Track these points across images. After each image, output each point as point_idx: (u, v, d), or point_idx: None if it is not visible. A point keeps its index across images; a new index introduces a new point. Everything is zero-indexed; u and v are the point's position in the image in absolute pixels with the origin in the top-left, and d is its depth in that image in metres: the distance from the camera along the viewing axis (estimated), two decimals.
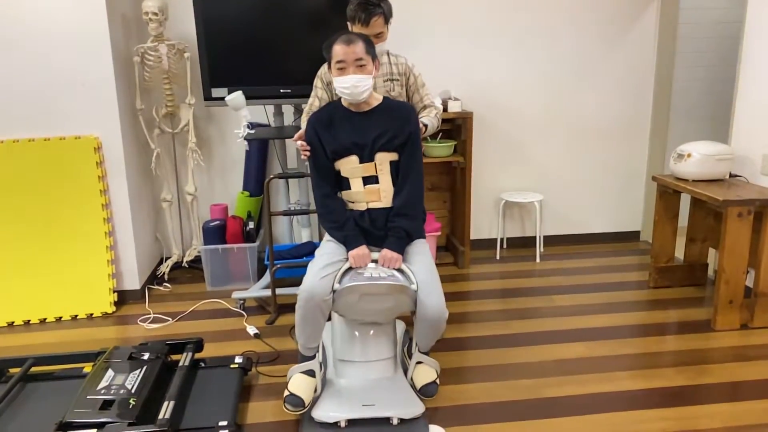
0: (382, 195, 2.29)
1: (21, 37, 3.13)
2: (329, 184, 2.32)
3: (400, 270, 2.24)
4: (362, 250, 2.24)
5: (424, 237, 2.41)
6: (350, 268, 2.24)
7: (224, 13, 3.16)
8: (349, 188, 2.31)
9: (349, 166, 2.28)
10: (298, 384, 2.24)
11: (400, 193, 2.29)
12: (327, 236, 2.39)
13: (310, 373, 2.28)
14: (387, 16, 2.50)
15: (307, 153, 2.31)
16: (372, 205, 2.30)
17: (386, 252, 2.24)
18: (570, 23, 3.97)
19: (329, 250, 2.28)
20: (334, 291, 2.16)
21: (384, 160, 2.27)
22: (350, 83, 2.18)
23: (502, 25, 3.94)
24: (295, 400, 2.20)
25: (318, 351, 2.31)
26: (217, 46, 3.19)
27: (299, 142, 2.33)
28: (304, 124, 2.52)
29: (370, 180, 2.29)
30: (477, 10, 3.90)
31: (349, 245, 2.26)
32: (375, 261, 2.27)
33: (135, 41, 3.63)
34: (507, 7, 3.91)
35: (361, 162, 2.27)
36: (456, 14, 3.89)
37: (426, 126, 2.55)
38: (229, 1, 3.15)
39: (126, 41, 3.49)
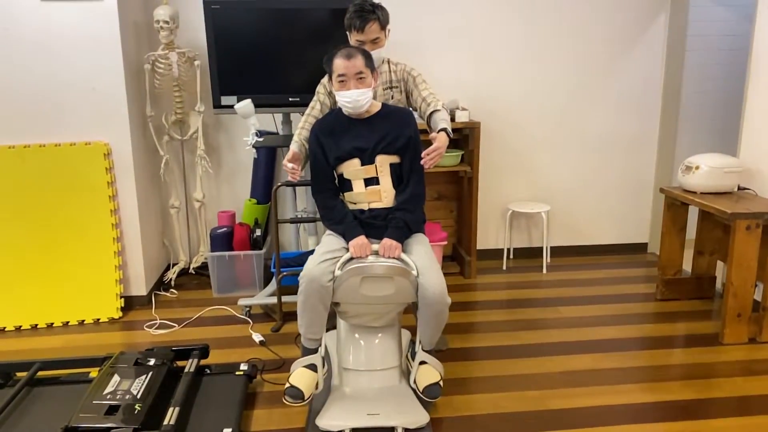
0: (383, 195, 2.36)
1: (33, 43, 3.16)
2: (330, 189, 2.42)
3: (400, 260, 2.26)
4: (362, 239, 2.28)
5: (423, 233, 2.46)
6: (351, 259, 2.26)
7: (234, 23, 3.18)
8: (351, 189, 2.39)
9: (351, 168, 2.36)
10: (300, 377, 2.23)
11: (402, 193, 2.38)
12: (327, 232, 2.44)
13: (312, 367, 2.28)
14: (383, 23, 2.52)
15: (295, 177, 2.38)
16: (373, 205, 2.37)
17: (386, 240, 2.28)
18: (578, 35, 3.98)
19: (328, 241, 2.34)
20: (334, 279, 2.18)
21: (384, 162, 2.36)
22: (352, 97, 2.28)
23: (511, 36, 3.95)
24: (295, 392, 2.18)
25: (321, 345, 2.31)
26: (227, 55, 3.22)
27: (290, 165, 2.36)
28: (299, 134, 2.54)
29: (371, 181, 2.37)
30: (485, 21, 3.91)
31: (348, 236, 2.31)
32: (376, 253, 2.29)
33: (146, 49, 3.66)
34: (515, 19, 3.93)
35: (362, 164, 2.36)
36: (464, 25, 3.91)
37: (449, 135, 2.44)
38: (239, 11, 3.18)
39: (137, 49, 3.52)
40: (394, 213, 2.35)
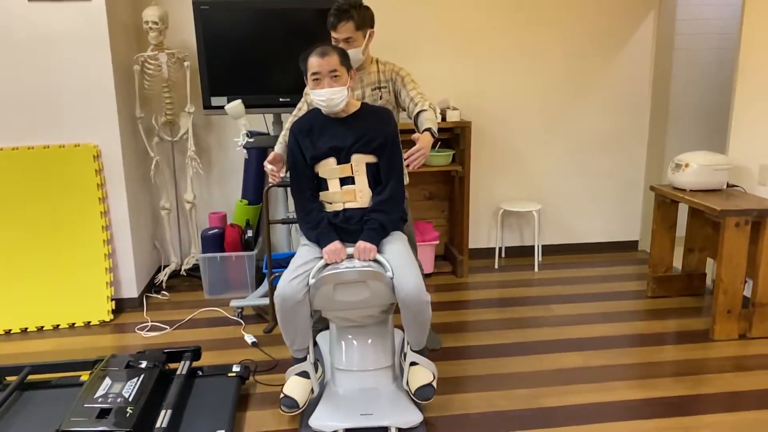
0: (358, 195, 2.33)
1: (22, 44, 3.14)
2: (309, 189, 2.38)
3: (376, 261, 2.25)
4: (335, 245, 2.26)
5: (402, 230, 2.43)
6: (326, 265, 2.24)
7: (224, 23, 3.17)
8: (327, 189, 2.36)
9: (327, 167, 2.34)
10: (293, 386, 2.25)
11: (380, 193, 2.34)
12: (302, 241, 2.42)
13: (304, 374, 2.29)
14: (358, 23, 2.48)
15: (275, 178, 2.38)
16: (348, 205, 2.34)
17: (360, 243, 2.26)
18: (568, 34, 4.00)
19: (302, 253, 2.32)
20: (309, 290, 2.17)
21: (360, 161, 2.33)
22: (326, 96, 2.25)
23: (501, 35, 3.96)
24: (289, 402, 2.20)
25: (309, 352, 2.31)
26: (217, 55, 3.20)
27: (269, 166, 2.38)
28: (284, 135, 2.56)
29: (346, 181, 2.34)
30: (476, 21, 3.92)
31: (322, 242, 2.29)
32: (351, 257, 2.28)
33: (135, 50, 3.64)
34: (506, 19, 3.94)
35: (338, 163, 2.33)
36: (455, 25, 3.91)
37: (434, 135, 2.43)
38: (229, 11, 3.16)
39: (126, 50, 3.50)
40: (369, 214, 2.31)
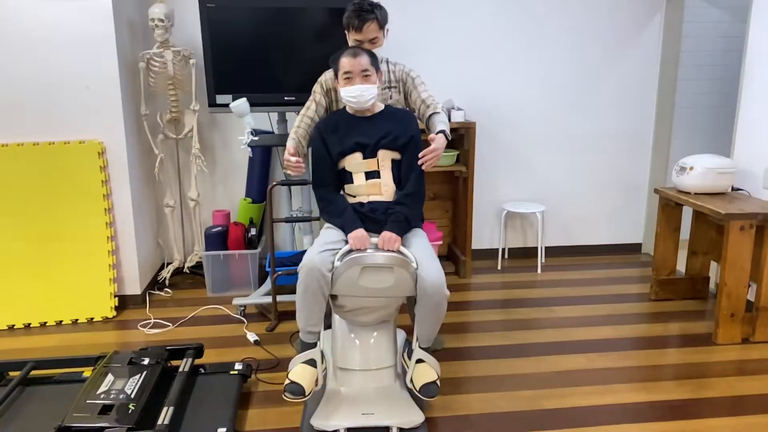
0: (383, 189, 2.40)
1: (27, 41, 3.15)
2: (331, 184, 2.45)
3: (399, 253, 2.26)
4: (361, 231, 2.30)
5: (421, 229, 2.48)
6: (350, 251, 2.26)
7: (230, 21, 3.18)
8: (352, 182, 2.43)
9: (353, 161, 2.42)
10: (300, 373, 2.21)
11: (403, 188, 2.42)
12: (326, 225, 2.46)
13: (312, 362, 2.26)
14: (381, 22, 2.55)
15: (299, 170, 2.40)
16: (373, 198, 2.41)
17: (385, 233, 2.30)
18: (574, 35, 3.99)
19: (328, 234, 2.35)
20: (333, 270, 2.18)
21: (386, 157, 2.41)
22: (357, 92, 2.35)
23: (506, 36, 3.95)
24: (296, 388, 2.15)
25: (319, 339, 2.30)
26: (223, 53, 3.21)
27: (294, 158, 2.39)
28: (295, 131, 2.57)
29: (372, 174, 2.41)
30: (481, 22, 3.92)
31: (347, 229, 2.33)
32: (375, 246, 2.29)
33: (141, 47, 3.65)
34: (511, 19, 3.93)
35: (364, 158, 2.41)
36: (460, 27, 3.91)
37: (448, 137, 2.51)
38: (235, 9, 3.17)
39: (132, 47, 3.51)
40: (393, 207, 2.37)
